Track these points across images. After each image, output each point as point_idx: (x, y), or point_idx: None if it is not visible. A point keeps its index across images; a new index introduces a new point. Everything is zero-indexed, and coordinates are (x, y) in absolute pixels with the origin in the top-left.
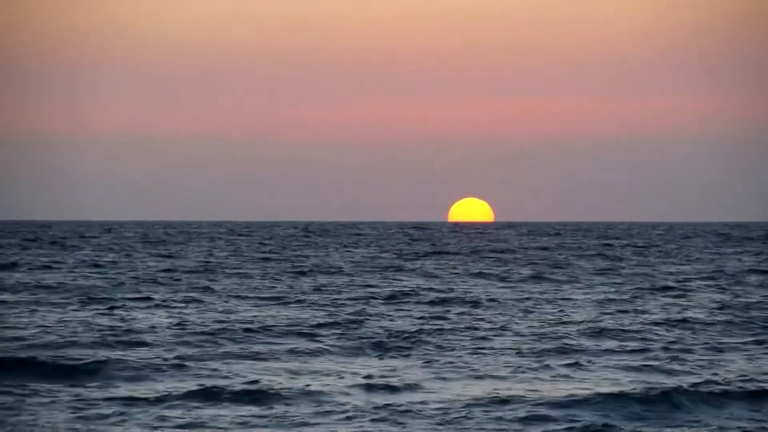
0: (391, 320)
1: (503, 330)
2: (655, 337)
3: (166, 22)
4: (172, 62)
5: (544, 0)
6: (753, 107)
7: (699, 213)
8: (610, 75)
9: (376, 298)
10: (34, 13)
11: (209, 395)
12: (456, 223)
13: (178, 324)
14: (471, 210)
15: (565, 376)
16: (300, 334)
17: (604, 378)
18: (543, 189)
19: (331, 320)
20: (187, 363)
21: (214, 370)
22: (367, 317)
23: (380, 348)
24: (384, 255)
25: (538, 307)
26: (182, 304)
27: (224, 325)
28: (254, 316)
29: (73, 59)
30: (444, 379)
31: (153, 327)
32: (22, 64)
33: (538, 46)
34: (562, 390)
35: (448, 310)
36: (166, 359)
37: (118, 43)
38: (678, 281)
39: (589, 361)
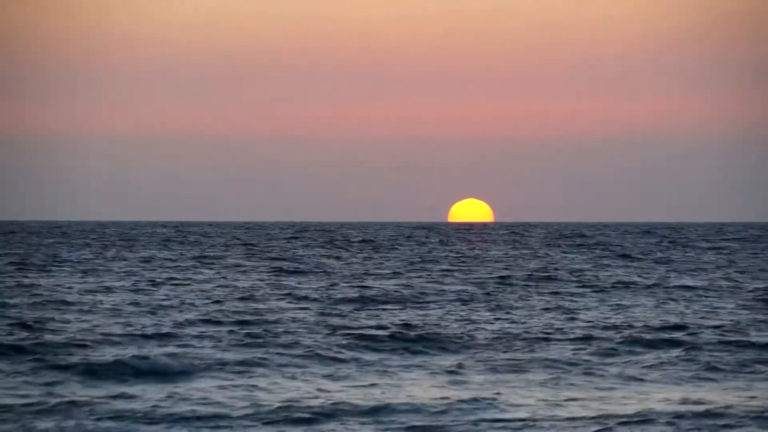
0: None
1: None
2: None
3: (167, 22)
4: (173, 62)
5: (544, 0)
6: (754, 107)
7: (700, 213)
8: (611, 76)
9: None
10: (34, 13)
11: None
12: (458, 224)
13: None
14: (471, 211)
15: None
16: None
17: None
18: (543, 190)
19: None
20: None
21: None
22: None
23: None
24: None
25: None
26: None
27: None
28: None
29: (74, 59)
30: None
31: None
32: (22, 64)
33: (539, 47)
34: None
35: None
36: None
37: (119, 43)
38: None
39: None
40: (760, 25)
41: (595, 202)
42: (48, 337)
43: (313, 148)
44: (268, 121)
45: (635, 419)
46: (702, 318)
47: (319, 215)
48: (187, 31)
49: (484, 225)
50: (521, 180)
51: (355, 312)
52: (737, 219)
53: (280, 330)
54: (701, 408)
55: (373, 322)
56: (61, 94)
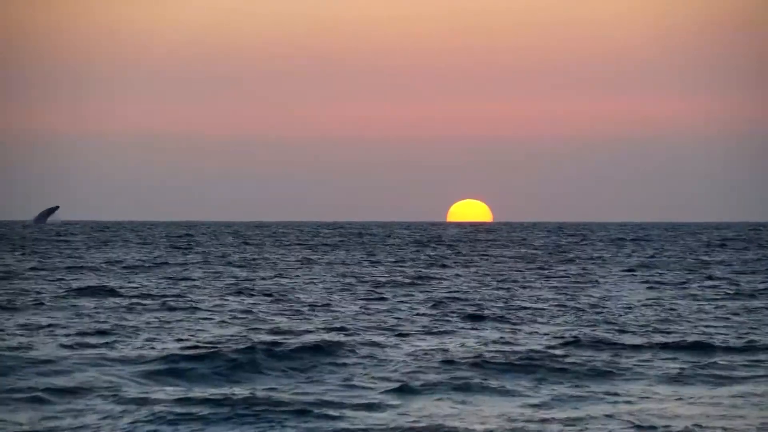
0: None
1: None
2: None
3: (169, 22)
4: (174, 62)
5: (543, 1)
6: (755, 107)
7: (700, 213)
8: (610, 75)
9: None
10: (34, 12)
11: None
12: (458, 223)
13: None
14: (470, 211)
15: None
16: None
17: None
18: (541, 190)
19: None
20: None
21: None
22: None
23: None
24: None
25: None
26: None
27: None
28: None
29: (74, 59)
30: None
31: None
32: (22, 64)
33: (538, 47)
34: None
35: None
36: None
37: (120, 42)
38: None
39: None
40: (760, 25)
41: (593, 202)
42: None
43: (311, 147)
44: (267, 121)
45: None
46: None
47: (317, 215)
48: (188, 31)
49: (484, 224)
50: (520, 180)
51: None
52: (737, 219)
53: None
54: None
55: None
56: (62, 94)
